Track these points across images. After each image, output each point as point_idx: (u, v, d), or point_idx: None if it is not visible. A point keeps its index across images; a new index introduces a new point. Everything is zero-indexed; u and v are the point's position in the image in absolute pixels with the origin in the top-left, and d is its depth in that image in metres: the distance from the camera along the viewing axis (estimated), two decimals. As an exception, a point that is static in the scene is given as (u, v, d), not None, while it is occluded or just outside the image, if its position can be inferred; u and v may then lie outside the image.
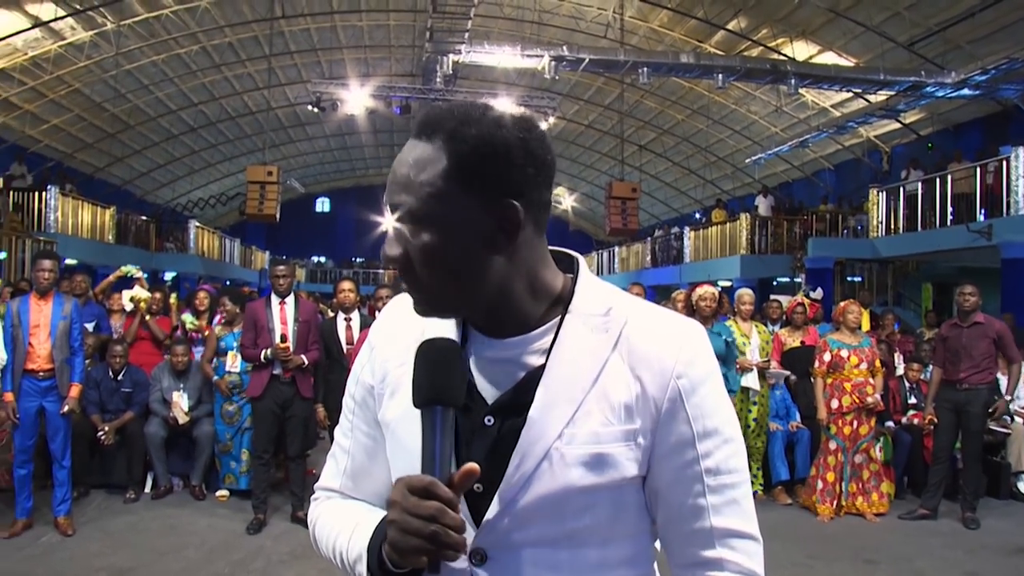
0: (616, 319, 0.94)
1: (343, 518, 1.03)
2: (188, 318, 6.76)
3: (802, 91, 15.63)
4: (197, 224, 20.38)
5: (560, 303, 0.96)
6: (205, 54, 18.40)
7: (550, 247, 1.00)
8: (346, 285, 5.82)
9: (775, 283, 17.21)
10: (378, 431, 1.03)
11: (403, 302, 1.02)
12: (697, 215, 24.73)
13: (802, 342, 6.53)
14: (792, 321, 6.72)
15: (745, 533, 0.94)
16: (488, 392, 0.94)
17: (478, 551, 0.92)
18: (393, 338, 1.03)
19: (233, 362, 5.76)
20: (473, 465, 0.83)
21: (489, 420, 0.93)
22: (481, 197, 0.88)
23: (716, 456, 0.93)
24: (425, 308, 0.94)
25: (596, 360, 0.92)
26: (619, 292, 0.99)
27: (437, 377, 0.87)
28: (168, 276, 18.32)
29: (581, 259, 1.02)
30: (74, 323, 4.83)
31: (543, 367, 0.92)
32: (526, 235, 0.91)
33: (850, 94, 16.21)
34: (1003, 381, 6.15)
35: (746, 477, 0.96)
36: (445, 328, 0.98)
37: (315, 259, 32.77)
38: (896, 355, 7.42)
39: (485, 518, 0.91)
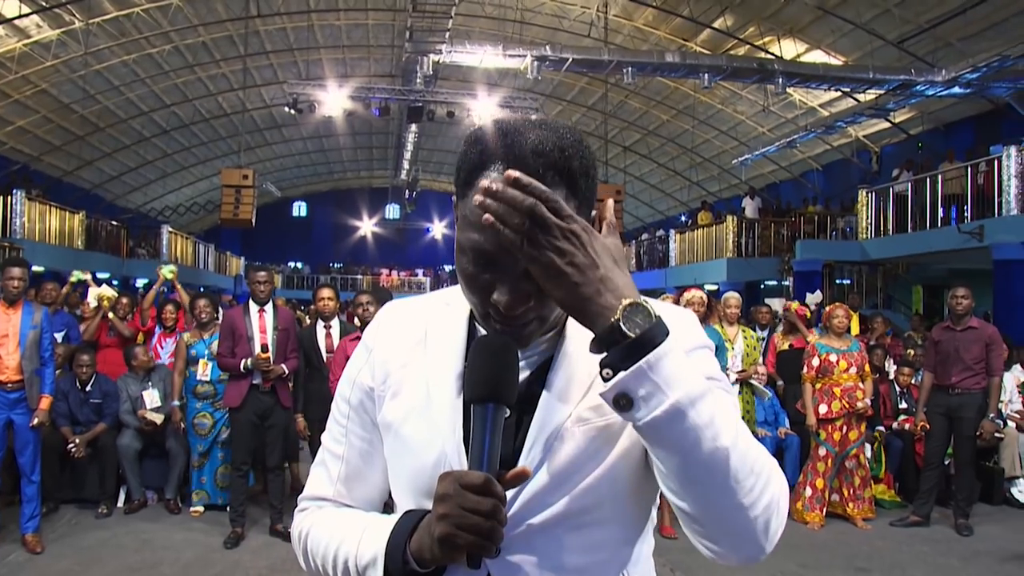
0: None
1: (346, 525, 1.01)
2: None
3: (790, 90, 15.53)
4: (170, 229, 20.07)
5: None
6: (178, 54, 18.01)
7: None
8: (326, 293, 5.82)
9: (762, 286, 17.03)
10: (375, 434, 1.05)
11: (398, 306, 1.08)
12: (683, 217, 24.48)
13: (790, 346, 6.52)
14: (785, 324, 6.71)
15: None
16: None
17: None
18: (393, 339, 1.04)
19: (204, 370, 5.55)
20: (526, 467, 0.87)
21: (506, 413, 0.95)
22: (586, 207, 0.93)
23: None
24: (534, 326, 0.93)
25: None
26: None
27: (495, 374, 0.88)
28: (140, 283, 17.78)
29: None
30: (44, 333, 4.65)
31: (551, 360, 0.96)
32: None
33: (838, 93, 16.04)
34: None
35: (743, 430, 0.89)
36: (453, 327, 1.01)
37: (292, 264, 32.04)
38: (887, 359, 7.36)
39: None
